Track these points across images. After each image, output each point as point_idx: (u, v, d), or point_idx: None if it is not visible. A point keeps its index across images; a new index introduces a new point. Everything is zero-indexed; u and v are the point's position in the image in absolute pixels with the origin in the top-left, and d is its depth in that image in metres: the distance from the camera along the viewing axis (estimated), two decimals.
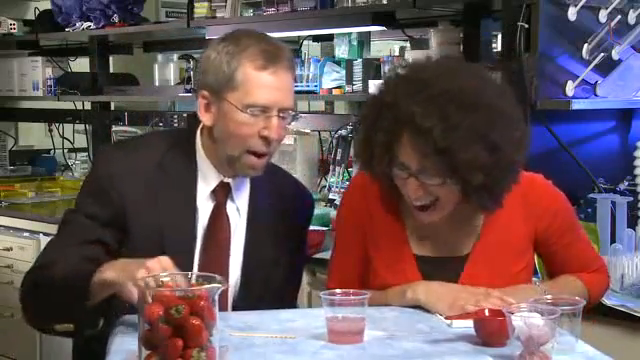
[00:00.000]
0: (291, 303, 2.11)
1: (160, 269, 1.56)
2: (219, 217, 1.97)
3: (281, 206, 2.04)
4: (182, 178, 1.95)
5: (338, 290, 1.69)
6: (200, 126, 1.98)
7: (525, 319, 1.52)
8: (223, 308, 1.94)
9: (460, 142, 1.70)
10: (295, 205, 2.11)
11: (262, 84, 1.85)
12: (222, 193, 1.98)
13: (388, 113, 1.78)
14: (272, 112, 1.86)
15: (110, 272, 1.68)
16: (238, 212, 2.00)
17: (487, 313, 1.70)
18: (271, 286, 2.01)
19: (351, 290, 1.70)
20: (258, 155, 1.90)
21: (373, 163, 1.84)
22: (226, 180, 1.97)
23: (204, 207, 1.96)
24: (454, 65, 1.90)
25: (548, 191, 1.99)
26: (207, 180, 1.97)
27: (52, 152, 5.09)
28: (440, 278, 1.90)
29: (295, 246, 2.10)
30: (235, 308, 1.99)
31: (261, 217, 2.01)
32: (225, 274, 1.95)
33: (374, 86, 3.28)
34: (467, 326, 1.70)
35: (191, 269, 1.92)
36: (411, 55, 3.23)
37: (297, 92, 3.67)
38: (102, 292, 1.70)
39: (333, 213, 3.42)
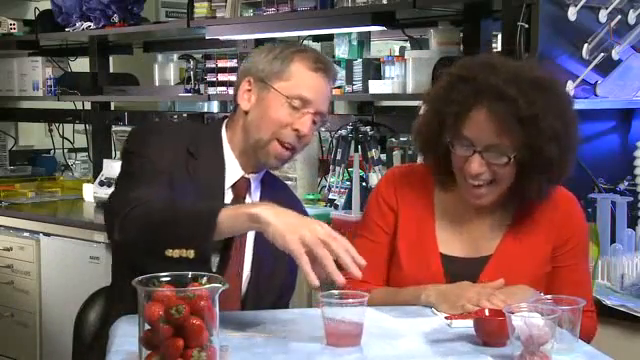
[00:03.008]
0: (287, 301, 2.14)
1: None
2: None
3: (290, 204, 2.05)
4: (211, 166, 2.01)
5: (335, 292, 1.69)
6: (225, 122, 2.07)
7: (525, 319, 1.52)
8: (234, 303, 1.98)
9: (542, 112, 1.81)
10: (297, 206, 2.11)
11: (311, 82, 1.99)
12: (242, 188, 2.04)
13: (465, 86, 1.86)
14: (309, 109, 1.97)
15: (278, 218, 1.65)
16: None
17: (487, 313, 1.71)
18: (275, 281, 2.05)
19: (350, 292, 1.70)
20: (285, 147, 1.98)
21: (441, 134, 1.90)
22: (247, 176, 2.04)
23: (227, 199, 2.02)
24: (522, 62, 2.15)
25: (576, 212, 2.03)
26: (230, 173, 2.03)
27: (52, 152, 5.09)
28: (463, 278, 1.92)
29: None
30: (243, 302, 2.01)
31: None
32: (241, 267, 2.00)
33: (375, 86, 3.30)
34: (467, 326, 1.70)
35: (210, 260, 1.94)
36: (411, 55, 3.23)
37: None
38: (237, 226, 1.71)
39: (333, 213, 3.42)
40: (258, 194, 2.08)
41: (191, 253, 1.67)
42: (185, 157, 1.98)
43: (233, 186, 2.02)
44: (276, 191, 2.12)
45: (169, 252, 1.68)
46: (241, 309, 1.99)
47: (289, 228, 1.62)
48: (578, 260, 2.01)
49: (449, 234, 2.00)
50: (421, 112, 2.03)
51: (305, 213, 2.24)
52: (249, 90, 2.01)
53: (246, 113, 2.01)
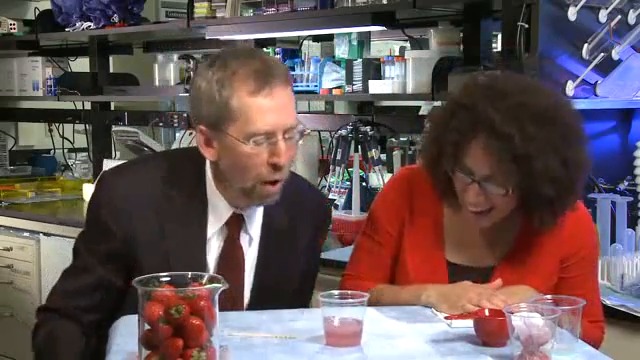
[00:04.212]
0: (303, 304, 2.06)
1: None
2: (232, 250, 1.91)
3: (295, 217, 1.96)
4: (191, 211, 1.86)
5: (336, 292, 1.69)
6: None
7: (525, 319, 1.52)
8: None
9: (538, 151, 1.73)
10: (310, 212, 2.03)
11: (259, 109, 1.73)
12: (235, 226, 1.90)
13: (464, 114, 1.80)
14: (277, 136, 1.75)
15: None
16: (250, 241, 1.93)
17: (487, 313, 1.71)
18: (281, 298, 1.94)
19: (350, 292, 1.70)
20: (272, 182, 1.80)
21: (439, 162, 1.86)
22: (238, 212, 1.89)
23: (215, 240, 1.89)
24: (533, 83, 1.94)
25: (586, 224, 2.01)
26: (218, 213, 1.87)
27: (52, 152, 5.09)
28: None
29: (309, 255, 2.04)
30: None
31: (274, 235, 1.95)
32: (239, 302, 1.92)
33: (375, 86, 3.29)
34: (467, 326, 1.70)
35: None
36: (411, 55, 3.23)
37: (297, 92, 3.71)
38: None
39: (333, 213, 3.42)
40: (259, 220, 1.93)
41: None
42: (158, 208, 1.84)
43: (225, 224, 1.89)
44: (289, 193, 1.89)
45: None
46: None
47: None
48: (587, 272, 1.99)
49: (457, 242, 1.98)
50: (425, 130, 2.00)
51: (325, 203, 2.14)
52: (207, 139, 1.80)
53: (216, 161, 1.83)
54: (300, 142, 1.82)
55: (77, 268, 1.92)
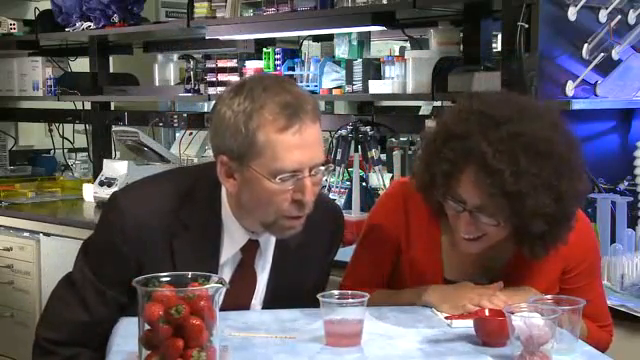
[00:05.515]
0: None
1: None
2: (245, 276, 1.88)
3: (310, 232, 1.85)
4: (205, 236, 1.82)
5: (336, 292, 1.69)
6: None
7: (525, 319, 1.52)
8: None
9: (529, 188, 1.69)
10: (324, 223, 1.97)
11: (288, 147, 1.67)
12: (250, 252, 1.86)
13: (456, 144, 1.75)
14: (303, 173, 1.69)
15: None
16: (264, 266, 1.90)
17: (487, 313, 1.71)
18: (296, 291, 1.92)
19: (350, 292, 1.70)
20: (294, 218, 1.75)
21: (431, 189, 1.83)
22: (254, 237, 1.85)
23: (228, 266, 1.86)
24: (530, 107, 1.83)
25: (587, 232, 1.98)
26: (233, 239, 1.84)
27: (52, 152, 5.10)
28: None
29: (323, 264, 2.03)
30: None
31: (288, 254, 1.91)
32: (250, 296, 1.90)
33: (375, 86, 3.30)
34: (467, 326, 1.70)
35: None
36: (411, 55, 3.23)
37: None
38: None
39: None
40: (271, 249, 1.89)
41: None
42: (170, 229, 1.80)
43: (239, 250, 1.85)
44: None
45: None
46: None
47: None
48: (593, 278, 1.98)
49: (454, 259, 1.96)
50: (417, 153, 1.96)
51: (339, 213, 2.08)
52: (228, 170, 1.74)
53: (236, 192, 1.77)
54: (325, 178, 1.76)
55: (87, 295, 1.85)
